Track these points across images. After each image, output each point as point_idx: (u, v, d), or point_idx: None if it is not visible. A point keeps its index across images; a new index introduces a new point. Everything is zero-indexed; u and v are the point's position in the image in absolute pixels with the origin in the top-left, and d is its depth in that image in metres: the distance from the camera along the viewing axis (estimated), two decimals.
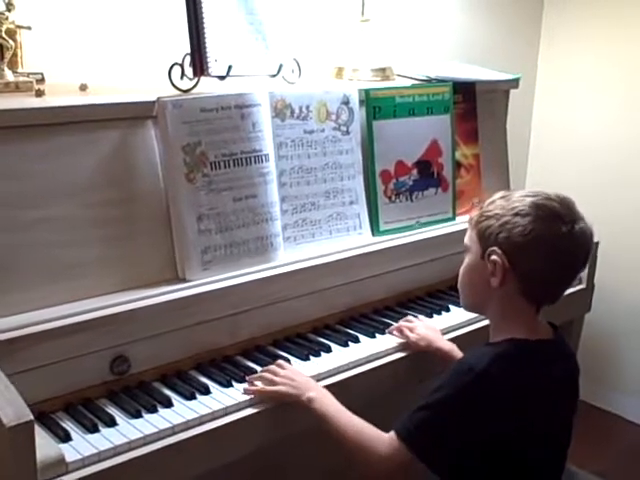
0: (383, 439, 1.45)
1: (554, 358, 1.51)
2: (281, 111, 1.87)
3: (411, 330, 1.81)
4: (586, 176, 3.09)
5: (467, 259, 1.54)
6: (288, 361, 1.67)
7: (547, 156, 3.23)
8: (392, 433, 1.44)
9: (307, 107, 1.92)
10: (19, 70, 1.80)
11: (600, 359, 3.09)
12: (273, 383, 1.55)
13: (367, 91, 2.05)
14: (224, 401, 1.51)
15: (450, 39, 2.83)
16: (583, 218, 1.49)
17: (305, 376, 1.59)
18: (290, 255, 1.84)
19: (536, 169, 3.27)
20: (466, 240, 1.54)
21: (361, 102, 2.03)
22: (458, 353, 1.76)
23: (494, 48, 2.96)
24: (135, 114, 1.67)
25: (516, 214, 1.45)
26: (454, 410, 1.40)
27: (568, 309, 2.29)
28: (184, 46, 1.77)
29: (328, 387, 1.62)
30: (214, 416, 1.47)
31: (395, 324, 1.86)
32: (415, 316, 1.92)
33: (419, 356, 1.81)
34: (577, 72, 3.11)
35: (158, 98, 1.67)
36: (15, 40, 1.77)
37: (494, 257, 1.45)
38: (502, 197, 1.50)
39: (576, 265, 1.52)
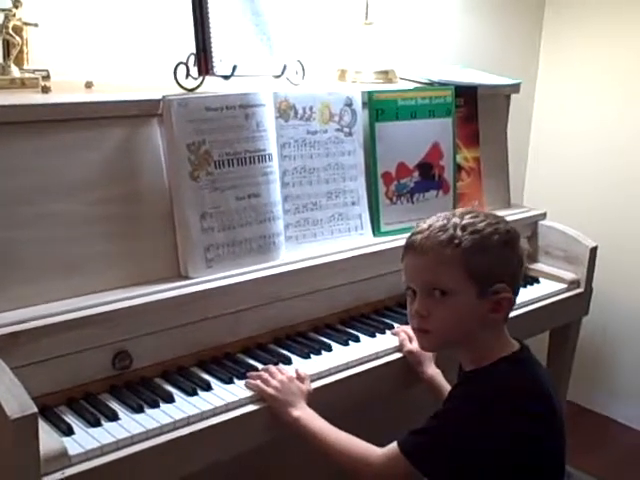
0: (376, 451, 1.48)
1: (535, 361, 1.54)
2: (285, 112, 1.88)
3: (411, 339, 1.80)
4: (584, 180, 3.11)
5: (451, 302, 1.45)
6: (289, 359, 1.69)
7: (546, 160, 3.25)
8: (393, 444, 1.46)
9: (311, 108, 1.93)
10: (25, 67, 1.82)
11: (597, 363, 3.10)
12: (267, 383, 1.56)
13: (370, 93, 2.06)
14: (225, 397, 1.52)
15: (451, 43, 2.85)
16: None
17: (298, 389, 1.57)
18: (292, 254, 1.85)
19: (535, 174, 3.29)
20: (447, 284, 1.45)
21: (364, 104, 2.04)
22: (441, 380, 1.76)
23: (495, 53, 2.97)
24: (140, 112, 1.68)
25: (505, 243, 1.47)
26: (458, 432, 1.41)
27: (566, 312, 2.31)
28: (189, 45, 1.78)
29: (328, 385, 1.65)
30: (215, 412, 1.48)
31: (398, 325, 1.88)
32: None
33: None
34: (577, 77, 3.13)
35: (164, 97, 1.68)
36: (21, 37, 1.79)
37: (505, 294, 1.46)
38: (472, 232, 1.46)
39: None
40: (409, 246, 1.52)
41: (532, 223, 2.43)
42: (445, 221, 1.49)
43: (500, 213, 2.03)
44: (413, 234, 1.52)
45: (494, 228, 1.48)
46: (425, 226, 1.50)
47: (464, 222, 1.47)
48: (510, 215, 2.23)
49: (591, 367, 3.05)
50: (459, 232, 1.46)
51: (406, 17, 2.63)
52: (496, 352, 1.49)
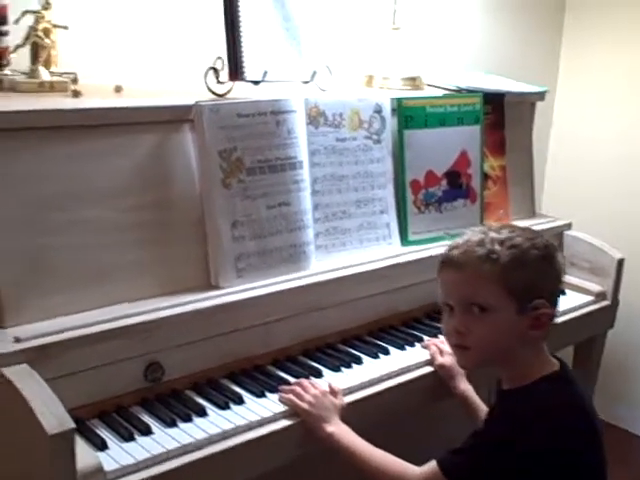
0: (414, 470, 1.46)
1: (576, 379, 1.52)
2: (315, 118, 1.85)
3: (442, 352, 1.77)
4: (605, 189, 3.07)
5: (490, 319, 1.42)
6: (320, 372, 1.66)
7: (566, 168, 3.21)
8: (432, 463, 1.43)
9: (340, 115, 1.90)
10: (53, 70, 1.78)
11: (620, 377, 3.05)
12: (300, 398, 1.53)
13: (399, 100, 2.03)
14: (259, 412, 1.49)
15: (473, 50, 2.82)
16: None
17: (332, 403, 1.54)
18: (321, 264, 1.82)
19: (554, 181, 3.25)
20: (487, 299, 1.41)
21: (392, 111, 2.01)
22: (473, 395, 1.74)
23: (515, 59, 2.94)
24: (172, 118, 1.65)
25: (544, 257, 1.43)
26: (497, 452, 1.38)
27: (592, 325, 2.28)
28: (217, 49, 1.74)
29: (361, 400, 1.61)
30: (250, 427, 1.45)
31: (427, 338, 1.85)
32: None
33: None
34: (597, 84, 3.10)
35: (196, 102, 1.64)
36: (50, 39, 1.75)
37: (545, 310, 1.42)
38: (510, 247, 1.42)
39: None
40: (445, 261, 1.48)
41: (557, 233, 2.39)
42: (482, 235, 1.46)
43: (525, 223, 2.03)
44: (449, 249, 1.48)
45: (532, 243, 1.45)
46: (461, 241, 1.47)
47: (501, 236, 1.44)
48: (535, 225, 2.21)
49: (614, 381, 3.01)
50: (497, 247, 1.43)
51: (429, 24, 2.60)
52: (536, 370, 1.46)
